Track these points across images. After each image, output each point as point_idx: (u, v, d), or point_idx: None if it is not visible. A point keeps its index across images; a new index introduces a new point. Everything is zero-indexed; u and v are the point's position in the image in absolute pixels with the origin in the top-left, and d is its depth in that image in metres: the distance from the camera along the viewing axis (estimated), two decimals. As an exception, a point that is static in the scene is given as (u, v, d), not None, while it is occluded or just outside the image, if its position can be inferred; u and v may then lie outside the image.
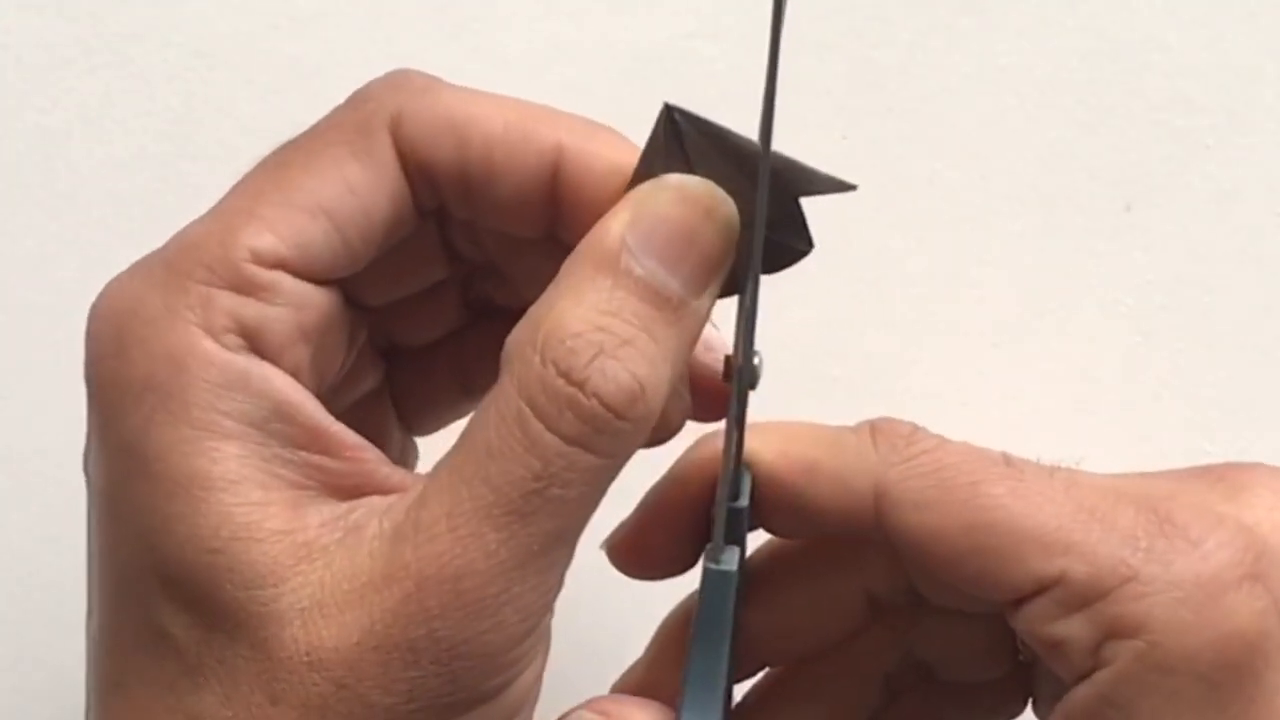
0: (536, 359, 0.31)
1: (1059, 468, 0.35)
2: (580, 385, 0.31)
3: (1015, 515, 0.33)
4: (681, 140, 0.33)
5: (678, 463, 0.37)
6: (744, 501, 0.35)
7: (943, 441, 0.35)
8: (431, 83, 0.35)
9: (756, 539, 0.37)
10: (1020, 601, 0.33)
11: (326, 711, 0.31)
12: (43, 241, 0.50)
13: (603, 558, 0.37)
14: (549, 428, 0.31)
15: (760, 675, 0.40)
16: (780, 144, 0.35)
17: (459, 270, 0.39)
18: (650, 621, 0.39)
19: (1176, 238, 0.50)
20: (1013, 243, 0.50)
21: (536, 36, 0.51)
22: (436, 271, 0.38)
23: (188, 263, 0.33)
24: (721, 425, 0.35)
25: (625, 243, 0.32)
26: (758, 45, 0.52)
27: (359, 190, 0.34)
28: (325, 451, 0.33)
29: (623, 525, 0.37)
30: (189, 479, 0.32)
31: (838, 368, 0.50)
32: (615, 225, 0.32)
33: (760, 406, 0.49)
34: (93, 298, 0.52)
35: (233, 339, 0.32)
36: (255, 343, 0.33)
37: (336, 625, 0.31)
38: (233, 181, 0.35)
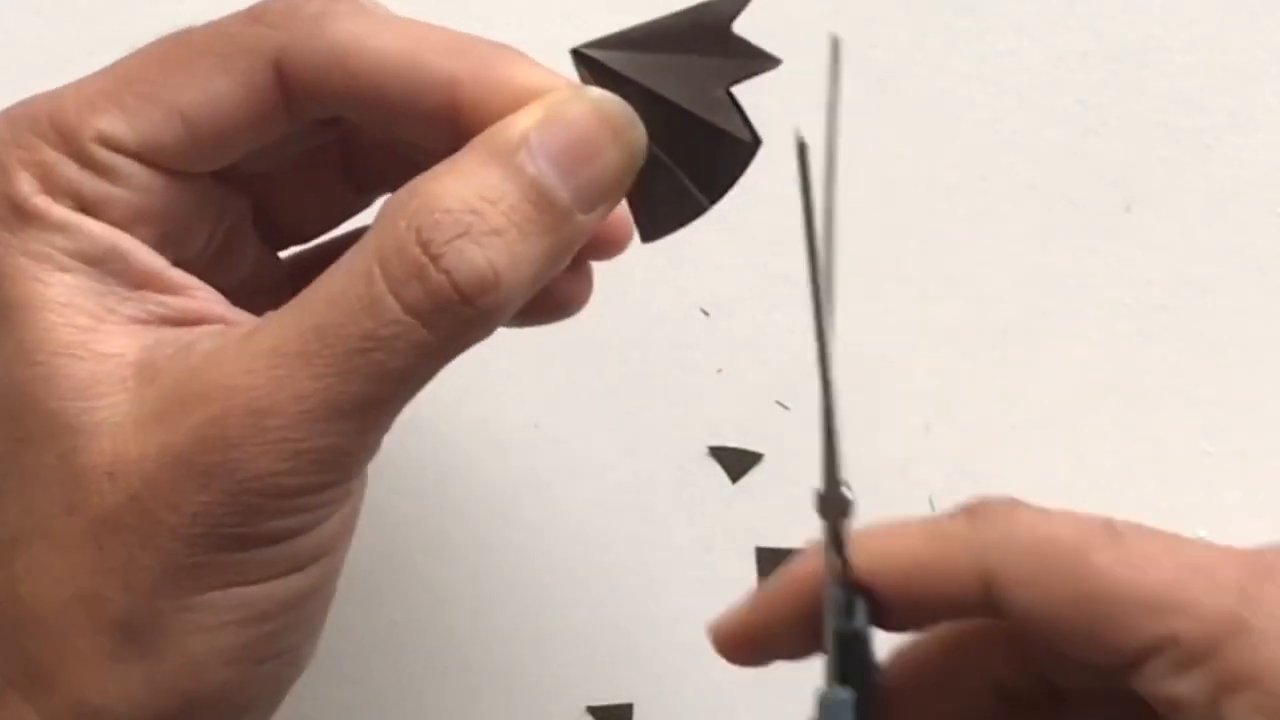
0: (402, 223, 0.32)
1: (1161, 530, 0.34)
2: (434, 259, 0.31)
3: (1121, 582, 0.33)
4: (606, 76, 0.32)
5: (785, 570, 0.36)
6: (860, 621, 0.34)
7: (1042, 513, 0.34)
8: (326, 9, 0.35)
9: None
10: (1137, 665, 0.33)
11: (116, 525, 0.31)
12: (43, 241, 0.50)
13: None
14: (392, 291, 0.31)
15: None
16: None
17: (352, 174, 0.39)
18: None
19: (1176, 238, 0.50)
20: (1013, 243, 0.50)
21: (536, 36, 0.51)
22: (328, 173, 0.39)
23: (42, 123, 0.34)
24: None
25: (527, 139, 0.32)
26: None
27: (223, 105, 0.34)
28: (164, 290, 0.33)
29: (731, 613, 0.36)
30: (18, 300, 0.32)
31: (835, 369, 0.49)
32: (522, 121, 0.33)
33: (763, 406, 0.49)
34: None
35: (69, 202, 0.33)
36: (92, 214, 0.33)
37: (144, 438, 0.32)
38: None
